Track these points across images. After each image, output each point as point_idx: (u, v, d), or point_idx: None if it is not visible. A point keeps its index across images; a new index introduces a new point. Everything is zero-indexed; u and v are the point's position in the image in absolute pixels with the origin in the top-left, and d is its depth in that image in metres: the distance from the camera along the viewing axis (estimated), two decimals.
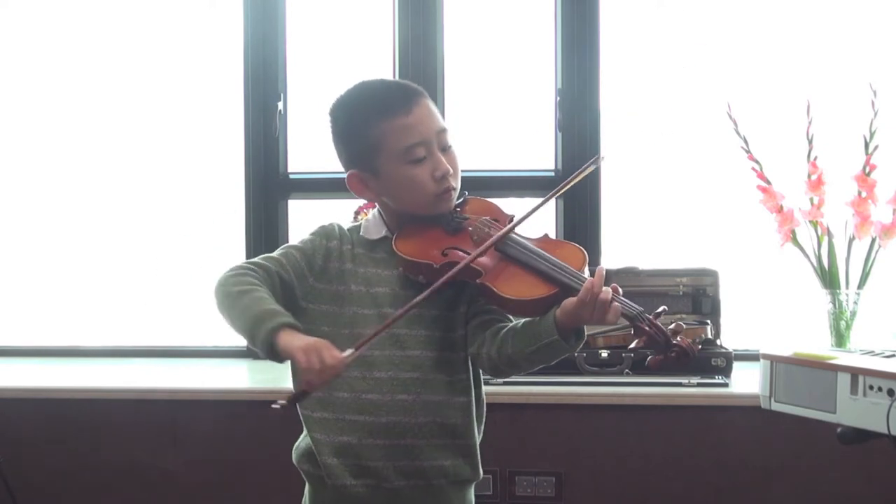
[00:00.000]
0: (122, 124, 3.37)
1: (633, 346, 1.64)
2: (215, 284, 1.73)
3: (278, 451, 2.65)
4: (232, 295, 1.69)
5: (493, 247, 1.72)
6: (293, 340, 1.59)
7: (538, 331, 1.66)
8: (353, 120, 1.78)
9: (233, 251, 3.26)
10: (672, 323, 1.66)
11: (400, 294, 1.77)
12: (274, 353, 1.61)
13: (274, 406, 1.59)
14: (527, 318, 1.71)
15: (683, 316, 2.82)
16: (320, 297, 1.79)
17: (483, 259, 1.71)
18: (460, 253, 1.72)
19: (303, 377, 1.58)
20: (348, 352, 1.59)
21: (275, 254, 1.79)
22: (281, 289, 1.75)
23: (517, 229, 1.77)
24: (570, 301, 1.62)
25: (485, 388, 1.86)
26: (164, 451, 2.75)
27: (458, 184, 1.79)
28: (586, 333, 1.69)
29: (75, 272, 3.40)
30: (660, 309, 1.65)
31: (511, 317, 1.77)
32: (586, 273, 1.69)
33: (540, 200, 1.78)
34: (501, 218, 1.81)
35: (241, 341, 3.19)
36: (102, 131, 3.38)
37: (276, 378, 2.97)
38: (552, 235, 1.86)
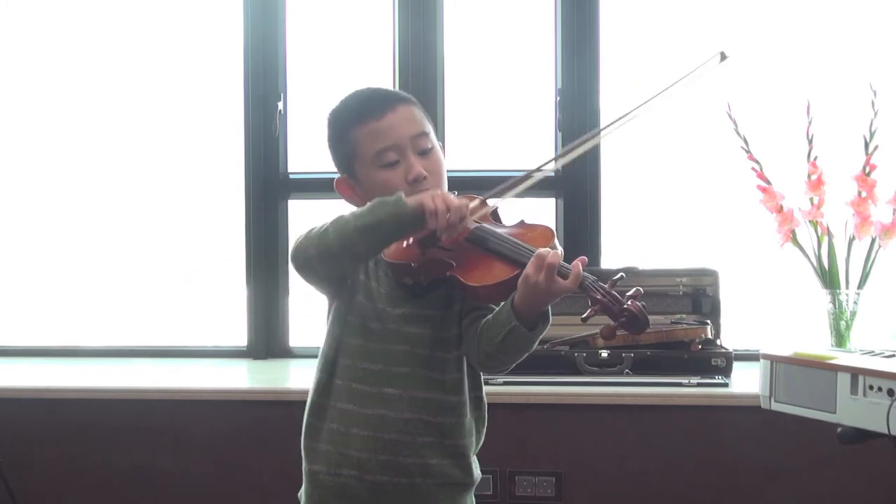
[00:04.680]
0: (122, 124, 3.37)
1: (585, 315, 1.61)
2: (298, 242, 1.75)
3: (278, 451, 2.65)
4: (333, 224, 1.70)
5: (465, 238, 1.70)
6: (414, 195, 1.66)
7: (500, 319, 1.66)
8: (335, 127, 1.83)
9: (233, 251, 3.26)
10: (631, 289, 1.61)
11: (393, 294, 1.78)
12: (407, 213, 1.63)
13: (412, 265, 1.68)
14: (496, 311, 1.70)
15: (683, 316, 2.83)
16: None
17: (454, 252, 1.69)
18: (439, 250, 1.71)
19: (429, 222, 1.62)
20: (476, 200, 1.67)
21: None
22: None
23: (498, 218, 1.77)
24: (520, 281, 1.61)
25: (486, 389, 1.85)
26: (164, 451, 2.75)
27: (439, 185, 1.78)
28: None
29: (75, 272, 3.40)
30: (617, 276, 1.62)
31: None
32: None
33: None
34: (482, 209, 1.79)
35: (240, 341, 3.24)
36: (102, 131, 3.38)
37: (276, 378, 2.98)
38: None
